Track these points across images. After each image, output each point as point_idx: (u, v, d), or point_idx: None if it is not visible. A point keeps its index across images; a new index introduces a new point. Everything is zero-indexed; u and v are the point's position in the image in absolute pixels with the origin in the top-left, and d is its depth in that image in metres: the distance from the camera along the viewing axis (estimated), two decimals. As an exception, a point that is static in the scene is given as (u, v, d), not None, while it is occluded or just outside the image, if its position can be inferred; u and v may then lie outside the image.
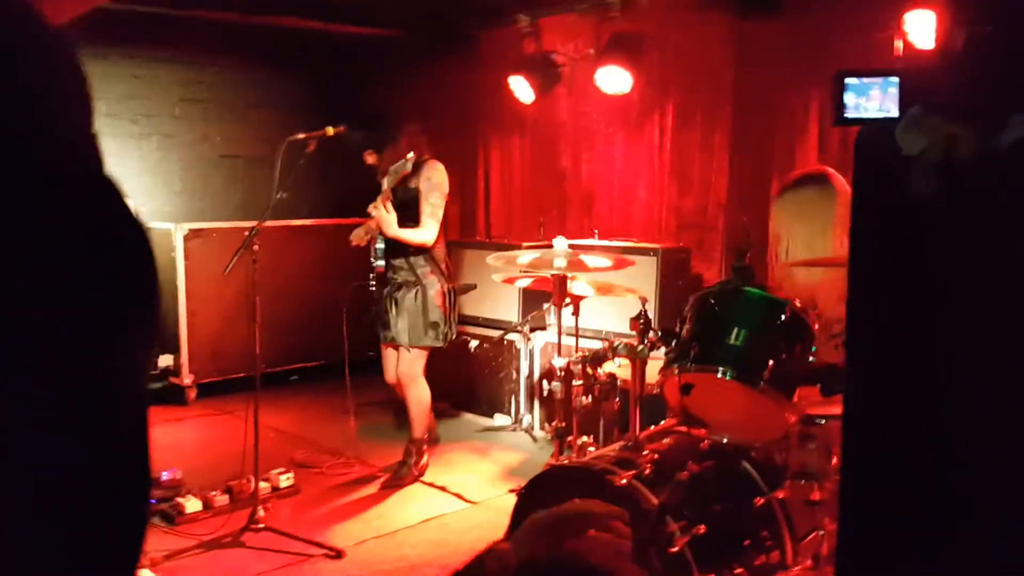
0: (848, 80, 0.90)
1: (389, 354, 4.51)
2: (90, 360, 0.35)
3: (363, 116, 4.46)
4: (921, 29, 3.65)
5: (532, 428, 5.15)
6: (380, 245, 4.28)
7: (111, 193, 0.36)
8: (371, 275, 4.38)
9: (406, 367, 4.40)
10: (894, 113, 0.91)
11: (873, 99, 0.92)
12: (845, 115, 0.91)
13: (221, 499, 3.84)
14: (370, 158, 4.33)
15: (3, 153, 0.34)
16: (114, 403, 0.36)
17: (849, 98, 0.90)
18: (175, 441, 4.95)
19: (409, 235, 4.17)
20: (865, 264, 0.94)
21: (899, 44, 3.72)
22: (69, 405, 0.34)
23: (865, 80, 0.90)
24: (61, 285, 0.34)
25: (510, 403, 5.27)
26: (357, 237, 4.34)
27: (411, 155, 4.09)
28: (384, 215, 4.07)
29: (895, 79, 0.91)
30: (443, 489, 4.28)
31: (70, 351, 0.34)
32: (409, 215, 4.18)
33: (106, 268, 0.36)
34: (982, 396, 1.06)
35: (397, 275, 4.34)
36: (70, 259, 0.35)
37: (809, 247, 3.14)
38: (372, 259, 4.34)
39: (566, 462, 2.76)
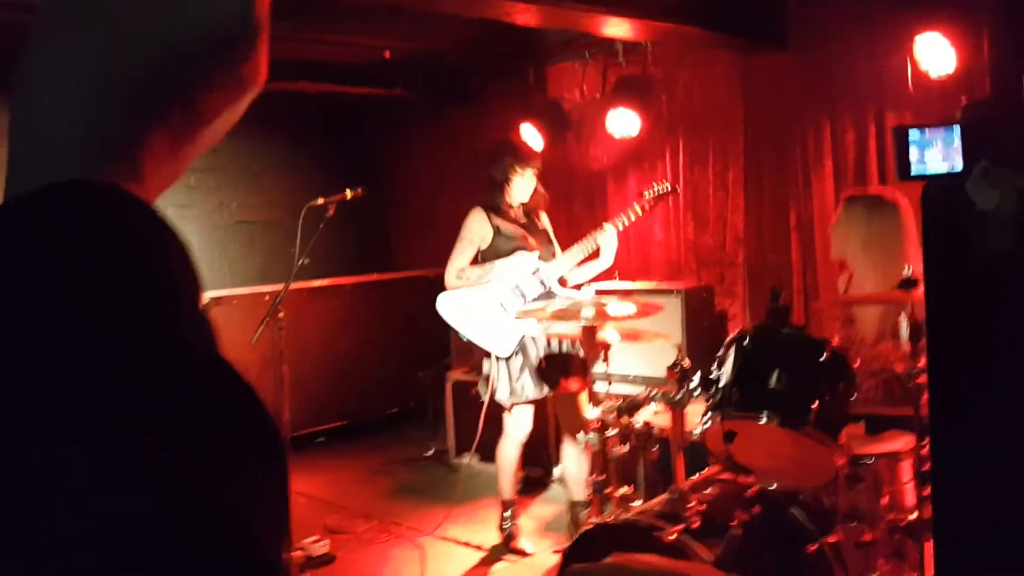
0: (911, 134, 0.87)
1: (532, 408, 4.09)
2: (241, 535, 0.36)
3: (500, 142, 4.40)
4: (931, 54, 3.64)
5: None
6: (536, 285, 4.01)
7: (228, 374, 0.38)
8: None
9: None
10: (958, 166, 0.89)
11: (936, 152, 0.89)
12: (911, 171, 0.89)
13: (257, 572, 3.78)
14: (535, 181, 4.11)
15: (143, 345, 0.36)
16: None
17: (913, 153, 0.88)
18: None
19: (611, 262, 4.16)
20: (944, 317, 0.91)
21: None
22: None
23: (927, 133, 0.88)
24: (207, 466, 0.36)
25: (541, 453, 5.19)
26: (531, 267, 4.02)
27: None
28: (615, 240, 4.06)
29: (956, 129, 0.88)
30: (479, 548, 4.20)
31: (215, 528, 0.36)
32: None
33: (246, 447, 0.38)
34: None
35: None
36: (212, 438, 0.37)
37: (882, 274, 3.01)
38: (516, 308, 3.91)
39: (611, 519, 2.70)
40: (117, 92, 0.41)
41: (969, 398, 0.97)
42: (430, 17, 4.45)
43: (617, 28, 4.36)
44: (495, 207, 4.05)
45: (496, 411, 4.14)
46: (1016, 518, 1.09)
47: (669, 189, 4.22)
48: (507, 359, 3.97)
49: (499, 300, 3.97)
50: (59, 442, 0.32)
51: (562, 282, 4.13)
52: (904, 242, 3.01)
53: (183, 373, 0.37)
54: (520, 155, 4.05)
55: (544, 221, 4.25)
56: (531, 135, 5.61)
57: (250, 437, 0.37)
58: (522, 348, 3.97)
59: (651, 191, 4.19)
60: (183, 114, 0.43)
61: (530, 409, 4.07)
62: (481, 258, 4.06)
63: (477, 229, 4.04)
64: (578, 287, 4.14)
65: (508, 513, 4.19)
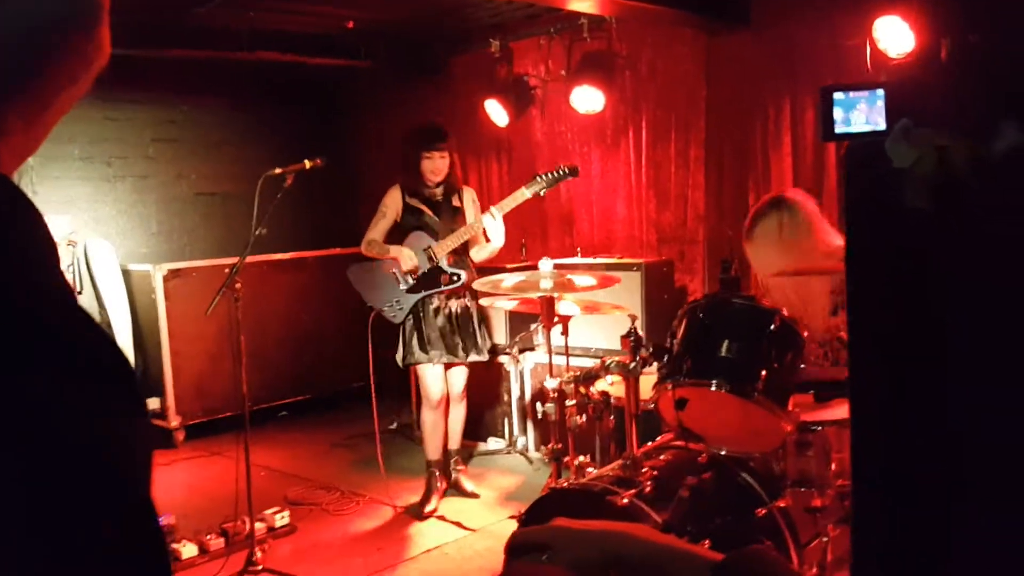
0: (835, 95, 0.91)
1: (440, 372, 4.47)
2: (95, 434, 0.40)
3: (426, 123, 4.66)
4: (890, 36, 3.70)
5: (527, 450, 5.12)
6: (426, 261, 4.34)
7: (82, 315, 0.42)
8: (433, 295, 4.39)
9: (465, 380, 4.55)
10: (882, 126, 0.92)
11: (860, 112, 0.93)
12: (835, 130, 0.92)
13: (216, 542, 3.79)
14: (444, 161, 4.36)
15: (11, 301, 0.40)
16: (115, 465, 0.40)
17: (837, 113, 0.91)
18: (166, 485, 4.88)
19: (500, 244, 4.37)
20: (863, 272, 0.95)
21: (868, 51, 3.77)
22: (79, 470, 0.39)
23: (852, 95, 0.91)
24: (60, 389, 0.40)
25: (503, 426, 5.25)
26: (411, 261, 4.32)
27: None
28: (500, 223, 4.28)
29: (880, 91, 0.92)
30: (441, 518, 4.24)
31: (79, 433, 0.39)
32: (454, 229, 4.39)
33: (92, 367, 0.42)
34: (985, 396, 1.07)
35: (450, 292, 4.40)
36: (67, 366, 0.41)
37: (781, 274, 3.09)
38: (405, 282, 4.36)
39: (565, 485, 2.74)
40: None
41: (889, 355, 1.01)
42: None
43: (582, 3, 4.36)
44: (410, 185, 4.43)
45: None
46: (934, 480, 1.13)
47: (568, 172, 4.34)
48: (401, 324, 4.40)
49: (395, 271, 4.38)
50: None
51: (450, 259, 4.39)
52: (812, 234, 3.06)
53: (64, 321, 0.40)
54: (425, 139, 4.37)
55: (464, 199, 4.50)
56: (496, 110, 5.61)
57: (117, 377, 0.40)
58: (414, 314, 4.37)
59: (546, 175, 4.34)
60: (31, 93, 0.44)
61: (435, 371, 4.42)
62: (397, 229, 4.47)
63: (390, 204, 4.47)
64: (475, 266, 4.49)
65: (435, 472, 4.46)
